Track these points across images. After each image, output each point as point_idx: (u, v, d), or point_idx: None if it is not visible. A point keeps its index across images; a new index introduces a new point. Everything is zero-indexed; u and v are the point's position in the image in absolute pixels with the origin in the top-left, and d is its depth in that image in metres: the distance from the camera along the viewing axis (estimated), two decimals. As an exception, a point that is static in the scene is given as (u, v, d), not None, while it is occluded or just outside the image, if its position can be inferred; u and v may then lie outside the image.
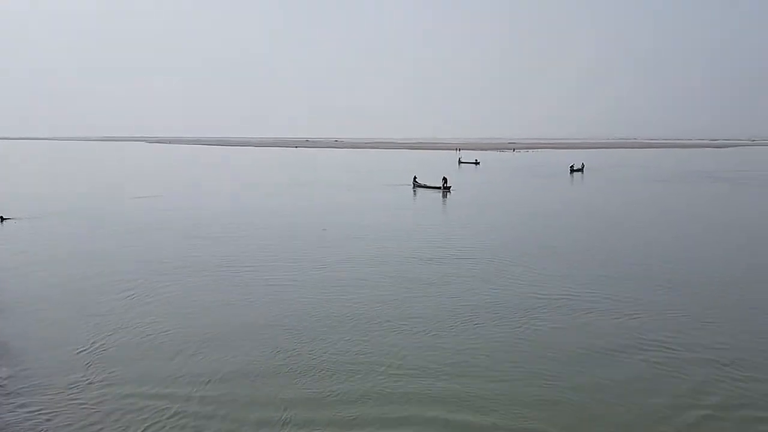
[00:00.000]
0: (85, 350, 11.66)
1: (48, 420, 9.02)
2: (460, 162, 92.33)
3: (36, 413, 9.19)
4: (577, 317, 13.65)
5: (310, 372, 10.60)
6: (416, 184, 48.53)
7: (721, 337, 12.41)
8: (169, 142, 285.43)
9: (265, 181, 55.62)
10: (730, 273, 18.31)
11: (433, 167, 76.71)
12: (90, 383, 10.19)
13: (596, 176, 63.15)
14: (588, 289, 15.96)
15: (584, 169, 70.30)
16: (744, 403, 9.58)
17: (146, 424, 8.87)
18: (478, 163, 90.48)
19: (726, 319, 13.59)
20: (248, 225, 27.59)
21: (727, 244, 23.82)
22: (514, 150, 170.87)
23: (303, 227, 26.97)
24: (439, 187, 44.93)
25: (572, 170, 68.21)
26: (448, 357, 11.27)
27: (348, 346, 11.84)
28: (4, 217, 28.92)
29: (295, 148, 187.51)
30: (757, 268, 19.16)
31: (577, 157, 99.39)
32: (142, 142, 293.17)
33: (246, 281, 16.99)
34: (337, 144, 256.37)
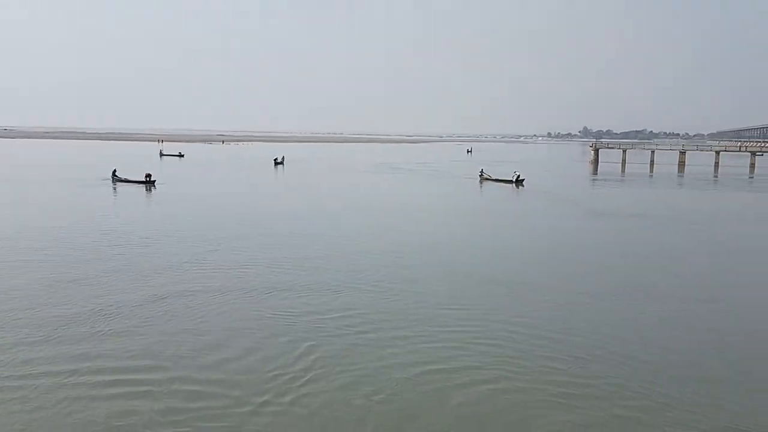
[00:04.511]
0: None
1: None
2: (161, 154, 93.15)
3: None
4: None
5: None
6: (116, 179, 49.04)
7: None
8: None
9: None
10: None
11: (128, 159, 77.29)
12: None
13: (294, 168, 74.10)
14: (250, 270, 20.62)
15: (284, 161, 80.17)
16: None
17: None
18: (182, 155, 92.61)
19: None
20: None
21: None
22: (223, 142, 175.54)
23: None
24: (142, 181, 46.80)
25: (276, 162, 77.54)
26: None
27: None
28: None
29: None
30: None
31: (281, 151, 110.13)
32: None
33: None
34: (6, 133, 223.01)
